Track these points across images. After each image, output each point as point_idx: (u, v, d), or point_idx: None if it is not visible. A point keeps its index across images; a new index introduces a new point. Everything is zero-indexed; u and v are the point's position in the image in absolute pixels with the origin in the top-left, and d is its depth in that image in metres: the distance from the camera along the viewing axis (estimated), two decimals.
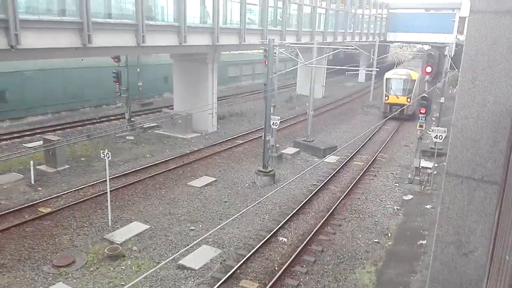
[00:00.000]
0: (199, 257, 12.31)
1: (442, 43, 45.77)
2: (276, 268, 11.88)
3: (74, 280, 11.13)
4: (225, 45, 24.79)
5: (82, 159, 20.60)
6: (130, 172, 18.90)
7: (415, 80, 31.35)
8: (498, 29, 4.38)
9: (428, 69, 17.98)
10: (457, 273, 4.76)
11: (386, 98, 31.79)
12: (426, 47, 51.42)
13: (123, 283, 11.04)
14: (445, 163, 4.79)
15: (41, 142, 20.78)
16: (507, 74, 4.39)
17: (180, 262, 11.95)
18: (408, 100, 30.56)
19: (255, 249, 12.65)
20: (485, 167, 4.48)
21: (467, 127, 4.54)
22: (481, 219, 4.54)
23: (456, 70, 28.17)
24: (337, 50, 28.27)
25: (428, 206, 16.38)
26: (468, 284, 4.70)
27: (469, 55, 4.55)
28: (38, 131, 24.74)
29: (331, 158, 21.76)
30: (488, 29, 4.42)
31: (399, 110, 27.40)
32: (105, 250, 12.32)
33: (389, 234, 14.23)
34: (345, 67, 28.69)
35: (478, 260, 4.61)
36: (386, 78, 32.12)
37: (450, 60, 31.82)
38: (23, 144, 22.41)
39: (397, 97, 31.17)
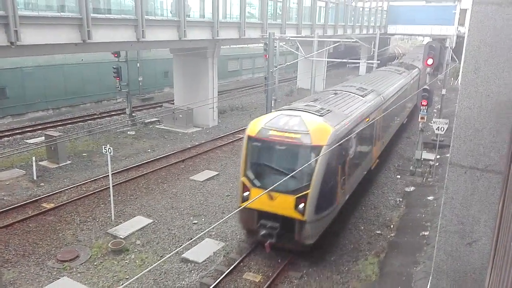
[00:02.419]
0: (203, 250, 12.37)
1: (443, 35, 45.63)
2: (279, 260, 11.94)
3: (79, 275, 11.21)
4: (225, 39, 24.74)
5: (83, 154, 20.64)
6: (132, 167, 18.95)
7: (321, 146, 10.93)
8: (501, 20, 4.38)
9: (430, 61, 17.94)
10: (461, 262, 4.80)
11: (247, 193, 11.70)
12: (427, 39, 50.73)
13: (127, 276, 11.12)
14: (447, 155, 4.82)
15: (43, 138, 20.82)
16: (510, 64, 4.40)
17: (184, 255, 12.02)
18: (301, 208, 10.85)
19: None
20: (489, 157, 4.50)
21: (470, 117, 4.56)
22: (485, 208, 4.57)
23: (458, 62, 28.00)
24: (338, 43, 28.21)
25: (430, 198, 16.42)
26: (472, 272, 4.74)
27: (472, 46, 4.56)
28: (39, 127, 24.78)
29: None
30: (491, 20, 4.42)
31: (275, 233, 11.09)
32: (109, 245, 12.39)
33: (392, 226, 14.28)
34: (346, 60, 28.63)
35: (482, 249, 4.65)
36: (249, 137, 11.95)
37: (451, 52, 31.50)
38: (25, 140, 22.44)
39: (271, 198, 11.02)
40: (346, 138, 11.76)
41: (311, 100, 14.32)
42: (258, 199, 10.48)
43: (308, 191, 10.76)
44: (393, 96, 19.19)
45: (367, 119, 14.47)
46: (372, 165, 16.74)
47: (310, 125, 11.31)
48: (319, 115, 12.06)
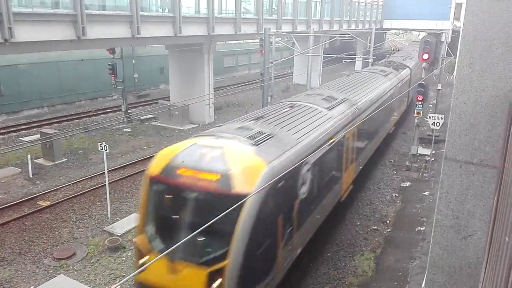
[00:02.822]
0: None
1: (439, 30, 45.61)
2: None
3: (75, 272, 11.19)
4: (220, 35, 24.67)
5: (79, 152, 20.56)
6: (128, 164, 18.90)
7: (247, 194, 6.77)
8: (495, 14, 4.37)
9: (425, 56, 17.93)
10: (456, 257, 4.81)
11: (144, 259, 7.62)
12: (422, 34, 50.54)
13: (124, 274, 11.10)
14: (442, 150, 4.83)
15: (38, 135, 20.72)
16: (504, 58, 4.39)
17: None
18: None
19: None
20: (484, 152, 4.51)
21: (465, 112, 4.56)
22: (480, 202, 4.58)
23: (453, 56, 27.97)
24: (334, 39, 28.19)
25: (426, 193, 16.48)
26: (467, 267, 4.76)
27: (466, 40, 4.55)
28: (35, 124, 24.66)
29: None
30: (486, 14, 4.41)
31: None
32: (105, 242, 12.36)
33: (388, 221, 14.32)
34: (342, 56, 28.61)
35: (477, 243, 4.67)
36: (150, 179, 8.02)
37: (446, 47, 31.46)
38: (20, 138, 22.34)
39: (174, 271, 7.19)
40: (292, 175, 8.33)
41: (252, 118, 9.99)
42: (157, 270, 7.24)
43: (226, 262, 6.94)
44: (373, 105, 15.67)
45: (332, 140, 10.83)
46: (341, 197, 12.90)
47: (234, 162, 7.50)
48: (252, 144, 8.14)
